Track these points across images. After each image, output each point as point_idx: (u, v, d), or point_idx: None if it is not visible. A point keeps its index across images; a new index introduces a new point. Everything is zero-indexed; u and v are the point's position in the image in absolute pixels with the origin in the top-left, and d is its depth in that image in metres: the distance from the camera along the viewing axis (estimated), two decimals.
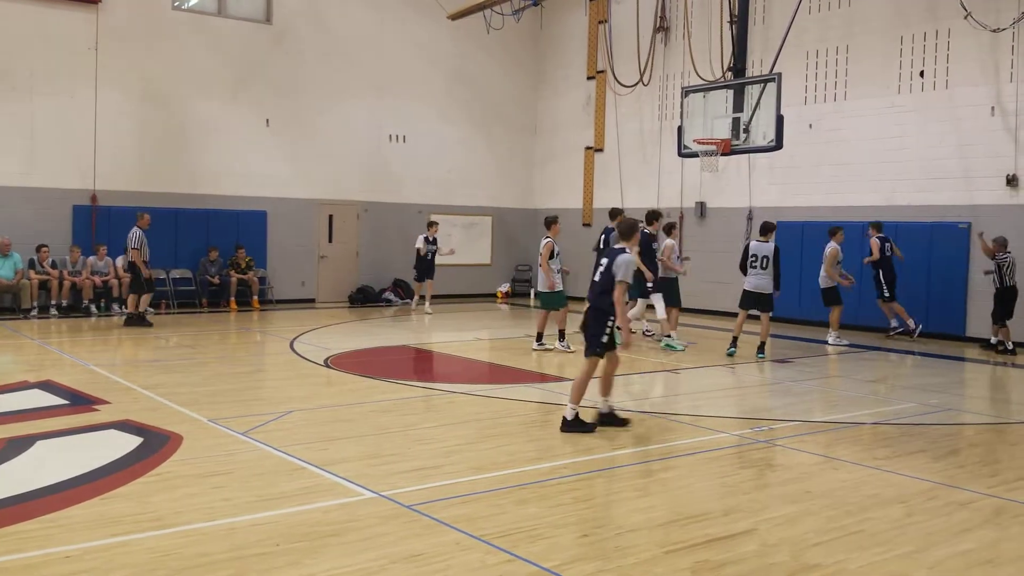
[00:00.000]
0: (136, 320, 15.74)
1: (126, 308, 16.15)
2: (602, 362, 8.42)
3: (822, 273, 15.44)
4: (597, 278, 8.32)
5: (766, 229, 13.70)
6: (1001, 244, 14.37)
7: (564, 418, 8.25)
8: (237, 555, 4.98)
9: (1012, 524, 5.90)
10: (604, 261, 8.26)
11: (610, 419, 8.44)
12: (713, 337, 15.87)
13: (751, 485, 6.76)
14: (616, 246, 8.41)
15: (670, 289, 14.59)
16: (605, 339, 8.19)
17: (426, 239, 19.34)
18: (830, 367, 13.07)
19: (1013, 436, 8.67)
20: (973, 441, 8.47)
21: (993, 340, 14.56)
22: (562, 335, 13.66)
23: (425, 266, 19.41)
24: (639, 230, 8.47)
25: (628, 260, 8.09)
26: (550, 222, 13.74)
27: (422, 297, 19.81)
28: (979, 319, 15.60)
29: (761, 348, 13.45)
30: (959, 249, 15.77)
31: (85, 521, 5.50)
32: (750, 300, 13.65)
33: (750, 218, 18.96)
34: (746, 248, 13.86)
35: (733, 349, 13.50)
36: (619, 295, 8.01)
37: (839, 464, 7.35)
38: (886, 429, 8.80)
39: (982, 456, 7.81)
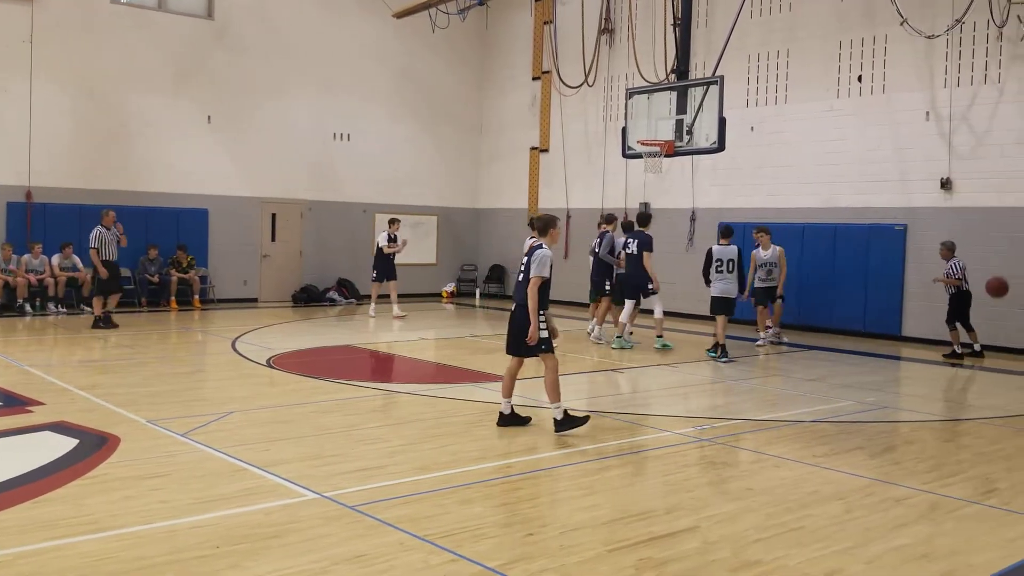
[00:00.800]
0: (104, 322, 15.20)
1: (91, 310, 15.61)
2: (512, 363, 8.48)
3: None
4: (520, 278, 8.34)
5: (727, 232, 13.82)
6: (950, 248, 14.34)
7: (554, 419, 8.18)
8: (176, 558, 4.89)
9: (946, 519, 6.03)
10: (525, 259, 8.31)
11: (512, 420, 8.43)
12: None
13: (694, 483, 6.82)
14: (534, 243, 8.48)
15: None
16: (546, 333, 8.17)
17: (389, 237, 18.29)
18: (771, 366, 13.25)
19: (947, 433, 8.88)
20: (908, 438, 8.65)
21: (958, 349, 14.31)
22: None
23: (387, 266, 18.32)
24: (555, 225, 8.46)
25: (543, 255, 8.14)
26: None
27: (380, 297, 18.61)
28: (915, 319, 15.99)
29: (716, 348, 13.45)
30: (896, 251, 16.11)
31: (18, 525, 5.36)
32: (720, 305, 13.53)
33: (693, 219, 19.17)
34: (709, 253, 13.73)
35: (727, 356, 13.26)
36: (531, 288, 8.06)
37: (779, 462, 7.46)
38: (824, 427, 8.95)
39: (917, 453, 7.98)
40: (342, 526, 5.50)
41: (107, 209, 15.83)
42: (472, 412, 9.26)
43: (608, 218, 15.39)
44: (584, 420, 8.23)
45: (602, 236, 15.07)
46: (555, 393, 8.21)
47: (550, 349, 8.26)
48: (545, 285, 8.18)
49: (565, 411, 8.21)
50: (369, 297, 19.01)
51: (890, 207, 16.27)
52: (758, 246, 15.33)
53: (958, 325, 14.28)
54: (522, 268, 8.36)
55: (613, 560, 5.06)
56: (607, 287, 14.86)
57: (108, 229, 15.26)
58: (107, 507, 5.74)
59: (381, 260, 18.37)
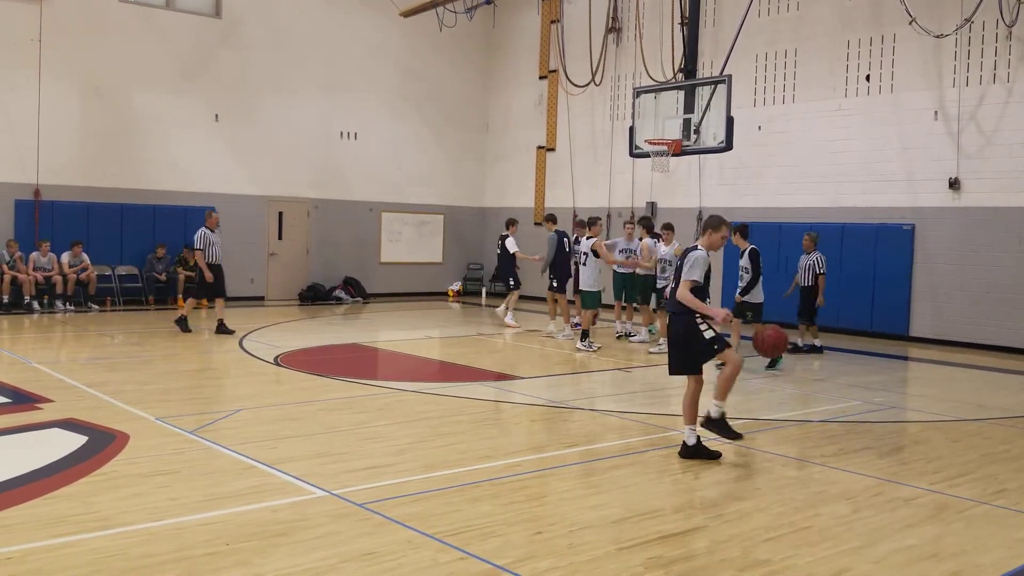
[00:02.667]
0: (181, 324, 14.70)
1: (98, 308, 15.30)
2: (688, 386, 7.56)
3: None
4: (672, 285, 7.67)
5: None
6: (814, 240, 14.21)
7: (708, 415, 7.63)
8: (185, 555, 4.90)
9: (954, 520, 6.02)
10: (677, 262, 7.65)
11: (697, 452, 7.37)
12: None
13: (702, 482, 6.81)
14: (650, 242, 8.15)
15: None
16: (711, 333, 7.33)
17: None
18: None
19: (954, 433, 8.85)
20: (916, 438, 8.63)
21: (801, 343, 14.17)
22: (585, 335, 13.98)
23: (514, 271, 17.29)
24: (718, 228, 7.58)
25: (697, 256, 7.42)
26: (592, 223, 13.95)
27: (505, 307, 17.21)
28: (923, 319, 15.95)
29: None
30: (903, 250, 16.07)
31: (27, 522, 5.38)
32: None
33: (700, 218, 19.13)
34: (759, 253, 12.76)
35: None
36: (684, 293, 7.29)
37: (787, 461, 7.45)
38: (832, 426, 8.94)
39: (925, 453, 7.96)
40: (350, 524, 5.50)
41: (210, 210, 15.26)
42: (480, 410, 9.27)
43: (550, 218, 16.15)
44: (738, 435, 7.63)
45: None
46: (721, 391, 7.53)
47: (724, 345, 7.39)
48: (700, 291, 7.39)
49: (723, 414, 7.60)
50: (369, 297, 19.00)
51: (898, 207, 16.23)
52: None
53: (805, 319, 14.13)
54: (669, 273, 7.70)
55: (622, 559, 5.06)
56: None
57: (213, 231, 14.67)
58: (116, 504, 5.75)
59: (508, 265, 17.29)
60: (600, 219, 14.63)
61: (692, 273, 7.33)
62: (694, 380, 7.49)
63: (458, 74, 23.92)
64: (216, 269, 14.77)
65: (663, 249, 14.24)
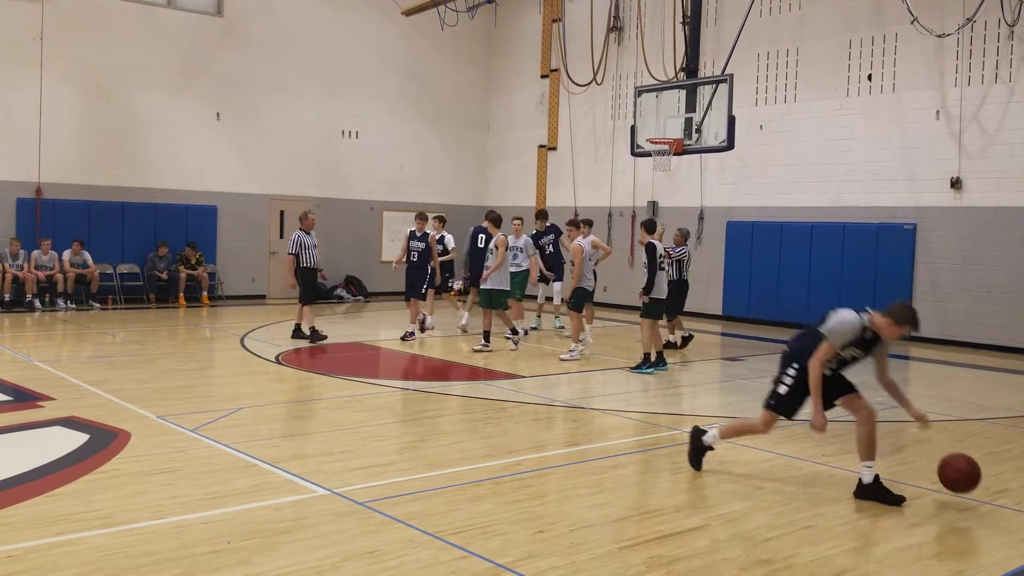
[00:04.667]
0: (307, 333, 13.81)
1: (99, 306, 14.99)
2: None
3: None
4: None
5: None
6: (684, 236, 13.82)
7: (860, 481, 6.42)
8: (186, 553, 4.90)
9: (957, 519, 6.02)
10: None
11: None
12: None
13: (703, 481, 6.80)
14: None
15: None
16: (783, 390, 6.51)
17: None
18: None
19: (956, 433, 8.85)
20: (918, 438, 8.61)
21: (672, 338, 13.77)
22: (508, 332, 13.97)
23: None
24: (910, 325, 6.33)
25: (851, 322, 6.24)
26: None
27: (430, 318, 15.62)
28: (924, 319, 15.84)
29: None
30: (905, 250, 16.06)
31: (28, 519, 5.38)
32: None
33: (701, 218, 19.14)
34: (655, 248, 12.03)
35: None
36: (815, 359, 6.24)
37: (789, 461, 7.44)
38: (834, 426, 8.88)
39: (926, 453, 7.95)
40: (352, 522, 5.50)
41: (307, 211, 14.20)
42: (480, 409, 9.26)
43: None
44: (898, 500, 6.24)
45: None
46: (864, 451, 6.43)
47: (782, 412, 6.58)
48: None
49: (876, 476, 6.37)
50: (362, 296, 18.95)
51: (899, 206, 16.22)
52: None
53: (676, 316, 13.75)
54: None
55: (623, 557, 5.06)
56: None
57: (308, 233, 13.85)
58: (117, 502, 5.75)
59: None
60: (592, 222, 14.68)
61: (834, 337, 6.21)
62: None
63: (459, 73, 23.91)
64: (312, 273, 14.06)
65: (515, 240, 14.23)
